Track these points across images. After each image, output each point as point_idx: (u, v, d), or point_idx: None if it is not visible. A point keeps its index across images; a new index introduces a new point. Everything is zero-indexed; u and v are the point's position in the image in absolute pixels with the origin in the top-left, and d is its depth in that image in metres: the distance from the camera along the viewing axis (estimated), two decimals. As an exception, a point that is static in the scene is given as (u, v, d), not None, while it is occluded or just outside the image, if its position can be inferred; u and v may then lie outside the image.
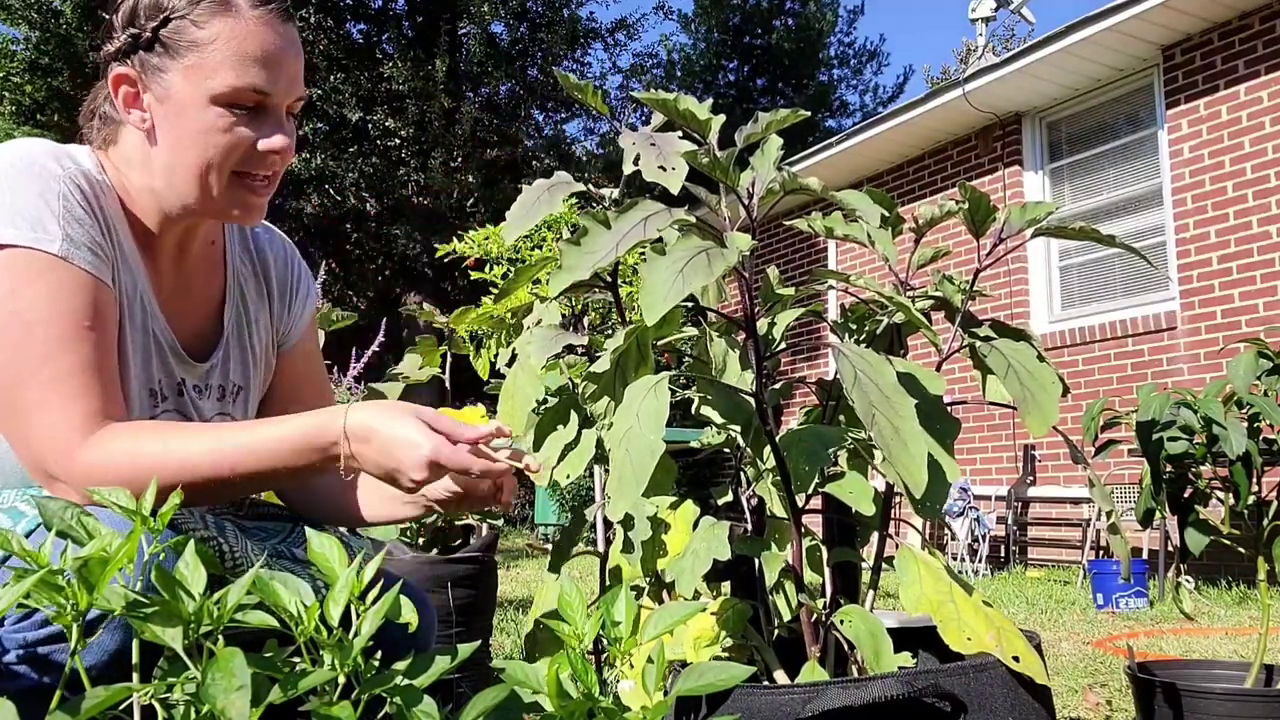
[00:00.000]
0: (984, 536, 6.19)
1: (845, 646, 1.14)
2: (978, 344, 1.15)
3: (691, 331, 1.30)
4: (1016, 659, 0.98)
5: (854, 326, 1.34)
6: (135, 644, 0.68)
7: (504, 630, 3.33)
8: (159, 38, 1.09)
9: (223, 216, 1.15)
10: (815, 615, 1.14)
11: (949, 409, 1.12)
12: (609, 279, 1.28)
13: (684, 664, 1.08)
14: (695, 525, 1.15)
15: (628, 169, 1.04)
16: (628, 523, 1.15)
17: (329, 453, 1.02)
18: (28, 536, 0.97)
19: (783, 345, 1.32)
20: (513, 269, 3.06)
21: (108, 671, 0.88)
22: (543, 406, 1.30)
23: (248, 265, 1.31)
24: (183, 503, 1.03)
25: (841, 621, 1.06)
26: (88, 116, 1.18)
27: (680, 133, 1.08)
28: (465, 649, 0.75)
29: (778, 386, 1.29)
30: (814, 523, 1.30)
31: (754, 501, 1.26)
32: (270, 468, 1.02)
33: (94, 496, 0.78)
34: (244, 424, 1.05)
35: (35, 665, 0.91)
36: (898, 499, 1.18)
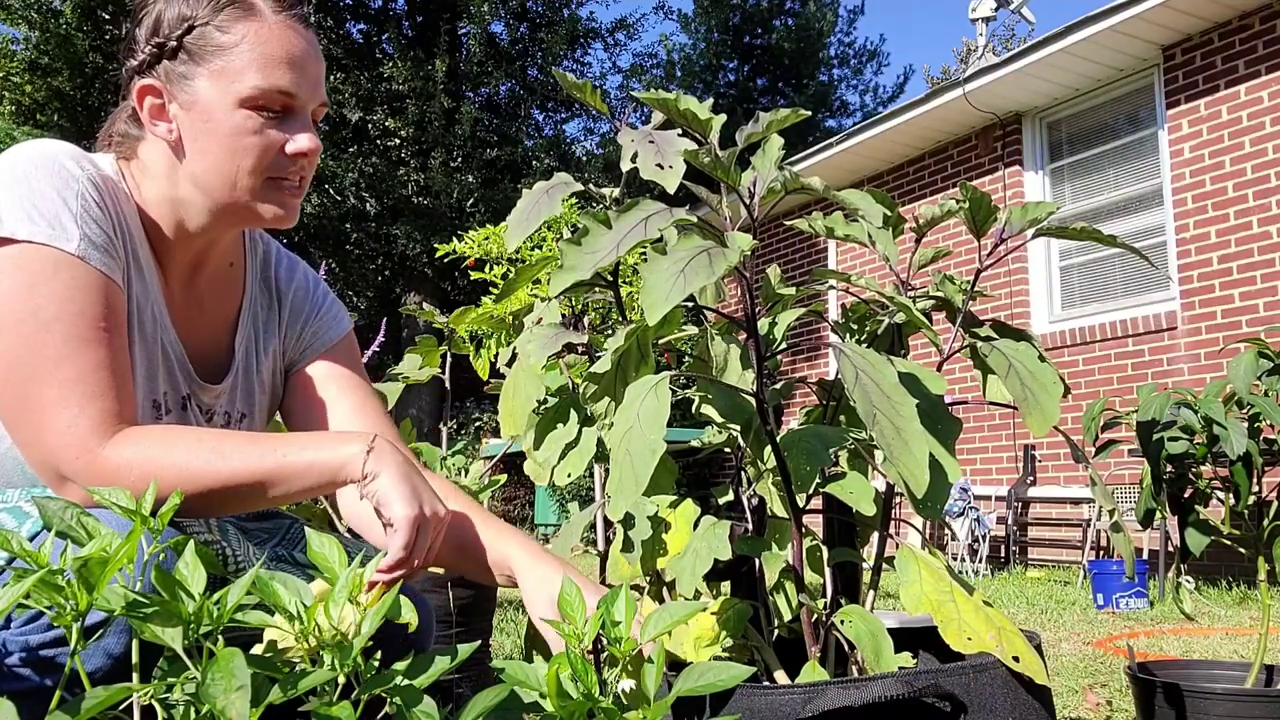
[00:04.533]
0: (984, 536, 6.19)
1: (845, 646, 1.14)
2: (979, 344, 1.15)
3: (692, 331, 1.30)
4: (1017, 659, 0.98)
5: (855, 326, 1.34)
6: (135, 644, 0.68)
7: (504, 630, 3.33)
8: (184, 45, 1.10)
9: (257, 221, 1.15)
10: (815, 615, 1.13)
11: (950, 409, 1.12)
12: (610, 278, 1.28)
13: (684, 664, 1.08)
14: (696, 525, 1.15)
15: (625, 166, 1.03)
16: (628, 522, 1.15)
17: (346, 483, 1.03)
18: (34, 537, 0.97)
19: (783, 345, 1.32)
20: (513, 269, 3.06)
21: (115, 675, 0.88)
22: (543, 406, 1.30)
23: (265, 295, 1.30)
24: (199, 512, 1.03)
25: (842, 621, 1.06)
26: (105, 140, 1.18)
27: (680, 132, 1.08)
28: (465, 649, 0.75)
29: (778, 386, 1.29)
30: (815, 523, 1.30)
31: (754, 501, 1.25)
32: (289, 493, 1.02)
33: (94, 497, 0.78)
34: (274, 443, 1.02)
35: (41, 668, 0.90)
36: (898, 499, 1.18)
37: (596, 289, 1.30)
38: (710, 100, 1.07)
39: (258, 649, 0.78)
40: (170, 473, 0.97)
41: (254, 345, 1.27)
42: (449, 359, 2.51)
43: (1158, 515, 1.56)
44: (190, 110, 1.10)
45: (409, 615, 0.79)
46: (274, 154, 1.11)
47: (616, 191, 1.25)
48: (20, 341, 0.98)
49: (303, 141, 1.11)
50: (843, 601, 1.15)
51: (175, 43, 1.10)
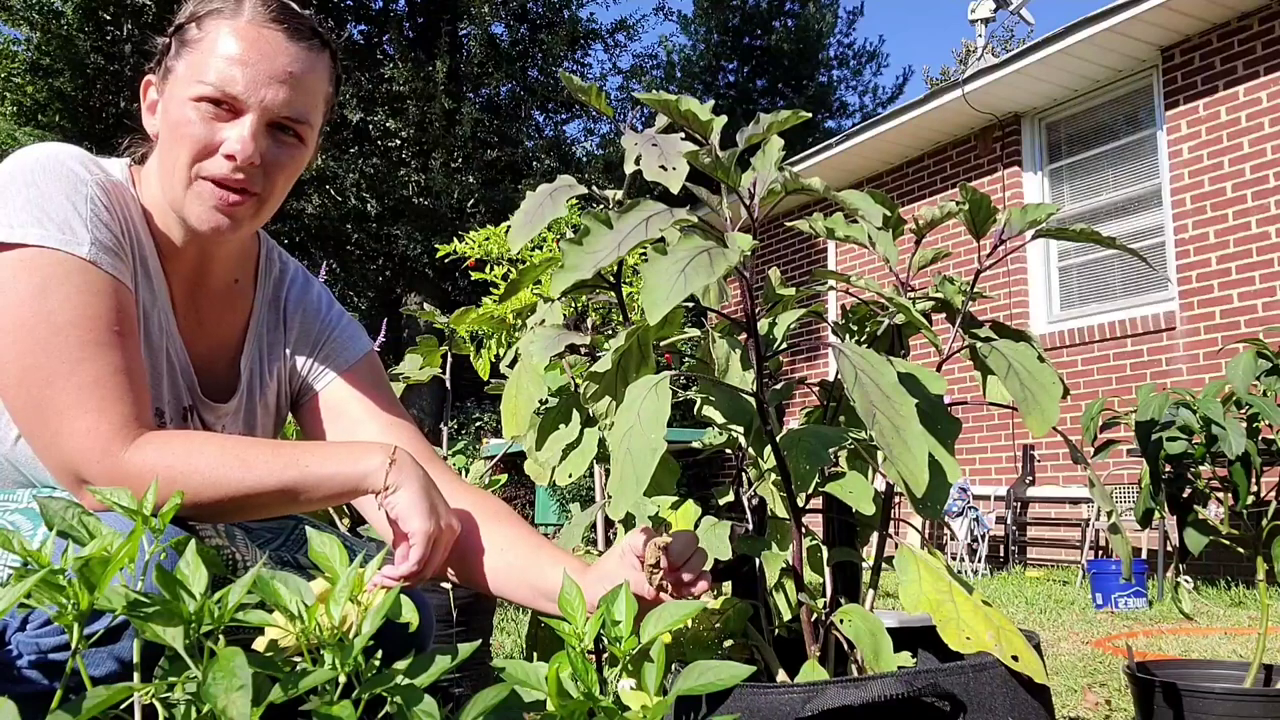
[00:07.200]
0: (983, 536, 6.19)
1: (845, 646, 1.14)
2: (978, 344, 1.15)
3: (693, 332, 1.30)
4: (1015, 658, 0.98)
5: (855, 327, 1.34)
6: (136, 644, 0.68)
7: (504, 630, 3.34)
8: (173, 40, 1.10)
9: (189, 226, 1.11)
10: (815, 615, 1.14)
11: (949, 409, 1.12)
12: (612, 279, 1.28)
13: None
14: (696, 525, 1.15)
15: (629, 169, 1.04)
16: (629, 522, 1.15)
17: (367, 493, 1.03)
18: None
19: (783, 345, 1.32)
20: (513, 269, 3.06)
21: (125, 680, 0.88)
22: (545, 407, 1.30)
23: (273, 316, 1.27)
24: (217, 518, 1.03)
25: (841, 621, 1.06)
26: (133, 148, 1.19)
27: (683, 134, 1.08)
28: (465, 649, 0.75)
29: (779, 387, 1.29)
30: (815, 523, 1.30)
31: (755, 501, 1.26)
32: (310, 502, 1.03)
33: (95, 497, 0.78)
34: (297, 452, 1.02)
35: (51, 671, 0.90)
36: (898, 499, 1.18)
37: (598, 290, 1.30)
38: (710, 101, 1.07)
39: (260, 644, 0.78)
40: (194, 479, 0.96)
41: (259, 367, 1.25)
42: (450, 359, 2.52)
43: (1156, 515, 1.56)
44: (164, 101, 1.10)
45: (409, 615, 0.79)
46: (200, 147, 1.06)
47: (619, 194, 1.25)
48: (35, 346, 0.97)
49: (232, 142, 1.06)
50: (842, 601, 1.15)
51: (169, 38, 1.11)
